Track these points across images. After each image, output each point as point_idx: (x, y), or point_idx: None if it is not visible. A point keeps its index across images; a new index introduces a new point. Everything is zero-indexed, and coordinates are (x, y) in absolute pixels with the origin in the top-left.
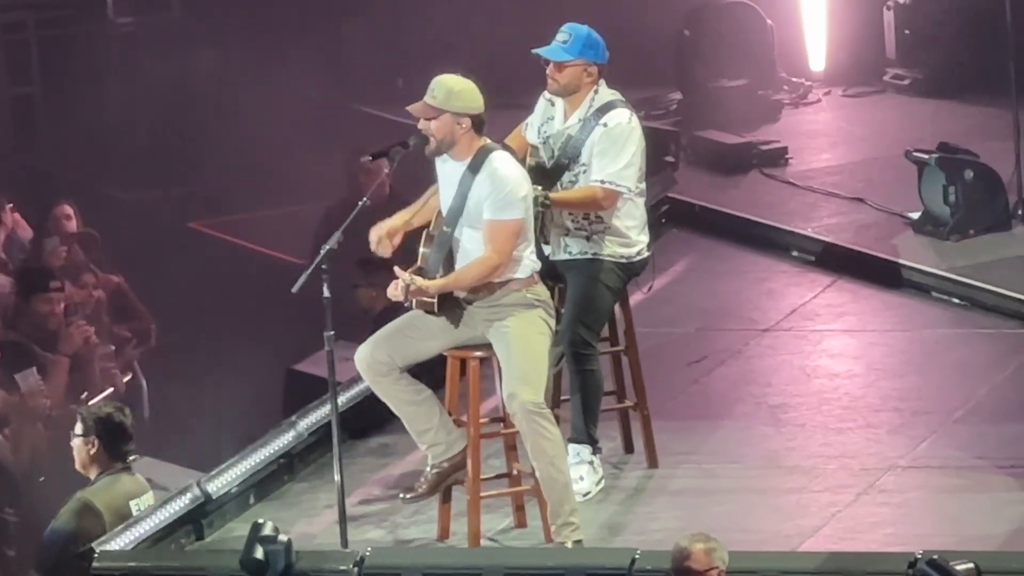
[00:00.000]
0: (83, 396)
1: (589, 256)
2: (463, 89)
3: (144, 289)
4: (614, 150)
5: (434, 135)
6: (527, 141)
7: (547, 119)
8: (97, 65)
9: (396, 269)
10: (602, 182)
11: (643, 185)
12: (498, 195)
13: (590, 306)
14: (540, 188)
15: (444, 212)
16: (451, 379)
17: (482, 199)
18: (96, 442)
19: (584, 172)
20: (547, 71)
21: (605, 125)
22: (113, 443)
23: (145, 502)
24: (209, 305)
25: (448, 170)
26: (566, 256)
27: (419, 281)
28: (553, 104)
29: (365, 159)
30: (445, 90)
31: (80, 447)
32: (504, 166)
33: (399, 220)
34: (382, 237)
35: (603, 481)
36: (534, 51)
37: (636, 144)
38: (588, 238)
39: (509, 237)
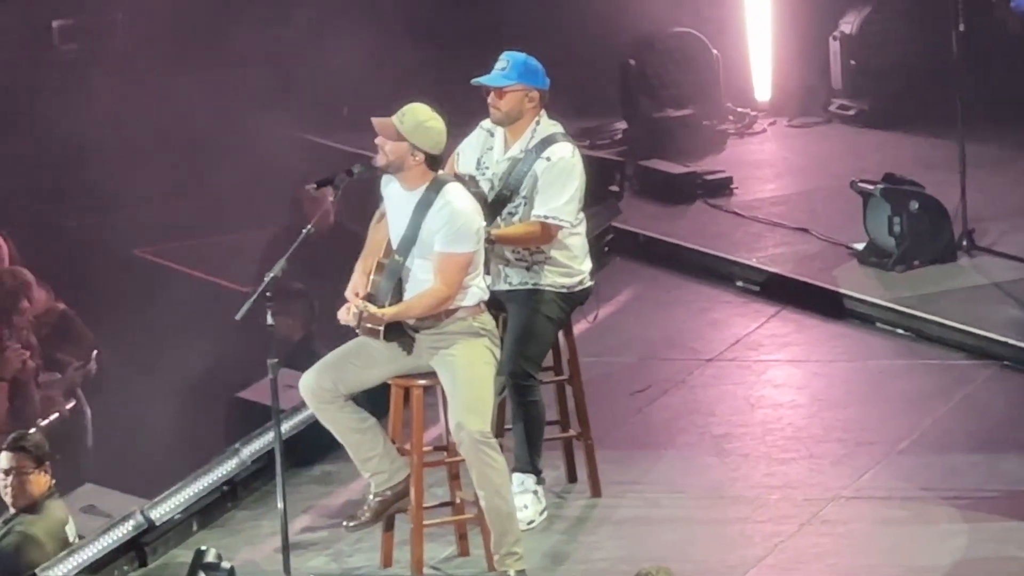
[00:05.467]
0: (38, 421)
1: (529, 287)
2: (431, 128)
3: (88, 316)
4: (557, 184)
5: (386, 154)
6: (459, 172)
7: (486, 150)
8: (40, 92)
9: (349, 295)
10: (544, 217)
11: (582, 215)
12: (451, 228)
13: (531, 337)
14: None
15: (395, 241)
16: (395, 407)
17: (435, 231)
18: (49, 468)
19: (525, 205)
20: (488, 100)
21: (548, 159)
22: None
23: (72, 528)
24: (153, 332)
25: (397, 198)
26: (507, 287)
27: (372, 308)
28: (492, 135)
29: (310, 187)
30: (415, 121)
31: (38, 479)
32: (458, 199)
33: (361, 276)
34: (357, 294)
35: (546, 511)
36: (474, 81)
37: (579, 178)
38: (528, 268)
39: (459, 270)
